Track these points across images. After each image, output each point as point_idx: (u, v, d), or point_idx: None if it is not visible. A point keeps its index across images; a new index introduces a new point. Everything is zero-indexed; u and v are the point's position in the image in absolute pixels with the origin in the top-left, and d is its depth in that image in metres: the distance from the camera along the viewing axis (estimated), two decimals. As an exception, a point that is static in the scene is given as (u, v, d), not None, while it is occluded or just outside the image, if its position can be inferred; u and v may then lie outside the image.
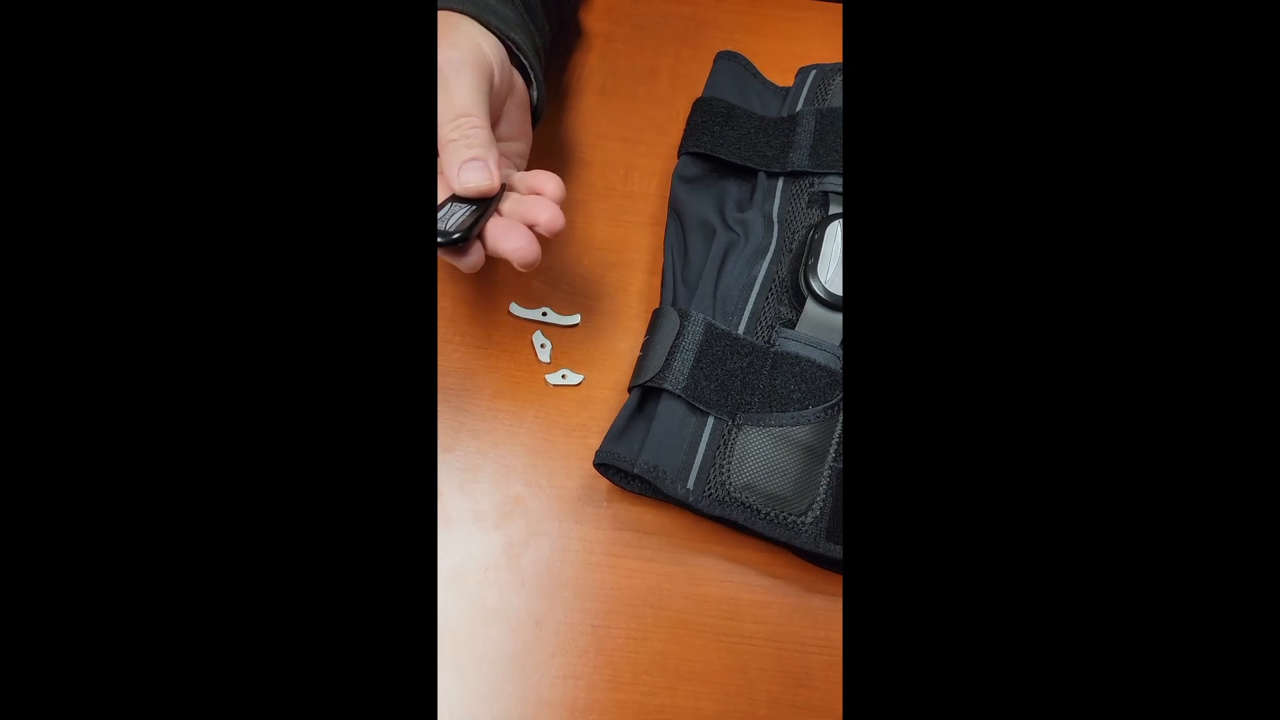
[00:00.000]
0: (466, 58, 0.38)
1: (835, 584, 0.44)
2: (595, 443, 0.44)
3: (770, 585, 0.44)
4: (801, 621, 0.44)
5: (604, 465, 0.43)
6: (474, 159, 0.37)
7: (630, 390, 0.44)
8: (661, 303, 0.47)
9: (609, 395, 0.47)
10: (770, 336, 0.45)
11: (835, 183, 0.49)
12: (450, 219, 0.36)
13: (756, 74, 0.55)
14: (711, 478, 0.41)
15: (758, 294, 0.46)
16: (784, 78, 0.55)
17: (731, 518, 0.41)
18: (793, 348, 0.44)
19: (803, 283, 0.45)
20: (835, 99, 0.52)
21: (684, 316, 0.44)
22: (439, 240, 0.35)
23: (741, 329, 0.45)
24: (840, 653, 0.43)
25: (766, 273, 0.47)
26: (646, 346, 0.45)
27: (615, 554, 0.44)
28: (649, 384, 0.43)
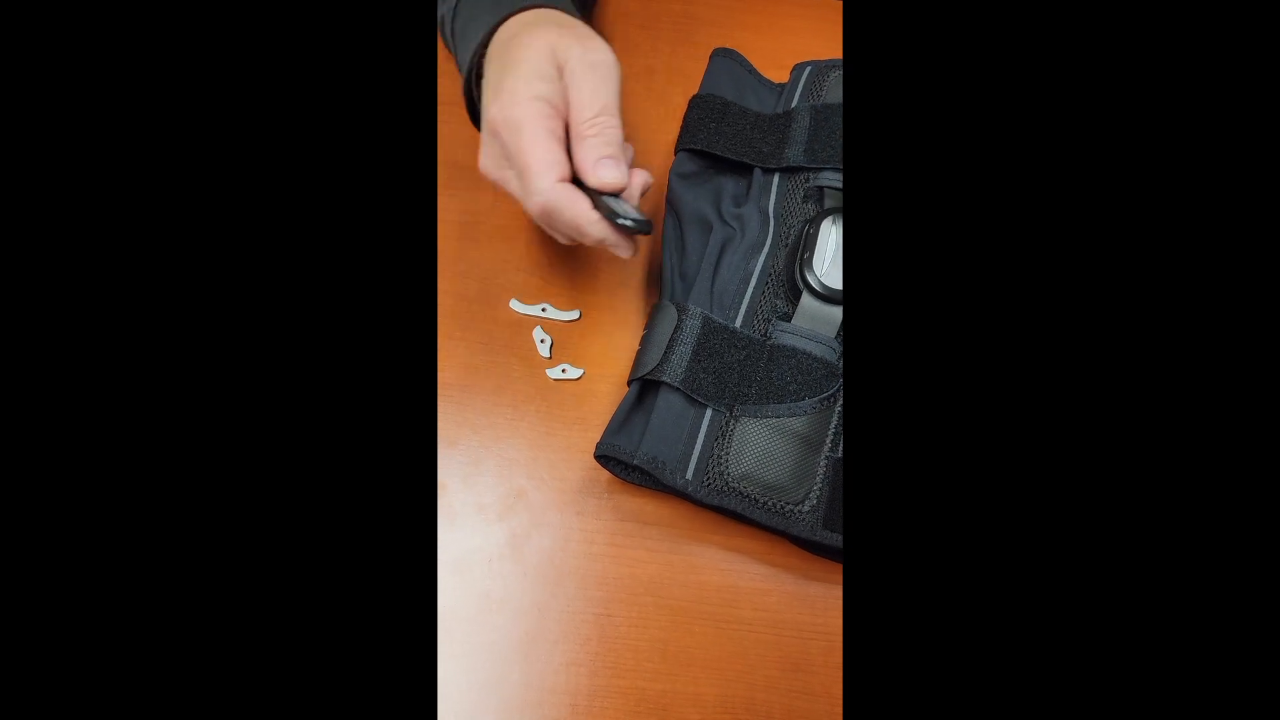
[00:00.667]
0: (608, 60, 0.40)
1: (832, 572, 0.45)
2: (595, 436, 0.45)
3: (769, 573, 0.45)
4: (799, 609, 0.44)
5: (604, 457, 0.43)
6: (609, 157, 0.39)
7: (629, 383, 0.45)
8: (660, 297, 0.48)
9: (609, 389, 0.48)
10: (767, 329, 0.46)
11: (830, 178, 0.50)
12: (624, 207, 0.39)
13: (752, 70, 0.55)
14: (710, 468, 0.42)
15: (754, 288, 0.47)
16: (780, 74, 0.56)
17: (730, 507, 0.42)
18: (789, 340, 0.45)
19: (798, 276, 0.46)
20: (830, 95, 0.53)
21: (682, 311, 0.45)
22: (630, 224, 0.38)
23: (738, 322, 0.46)
24: (837, 639, 0.44)
25: (763, 267, 0.48)
26: (645, 340, 0.46)
27: (616, 544, 0.45)
28: (648, 377, 0.44)
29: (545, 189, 0.38)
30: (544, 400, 0.47)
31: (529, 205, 0.40)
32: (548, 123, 0.39)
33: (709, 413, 0.43)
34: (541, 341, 0.48)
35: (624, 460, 0.42)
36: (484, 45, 0.43)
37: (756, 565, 0.45)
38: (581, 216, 0.39)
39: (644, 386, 0.45)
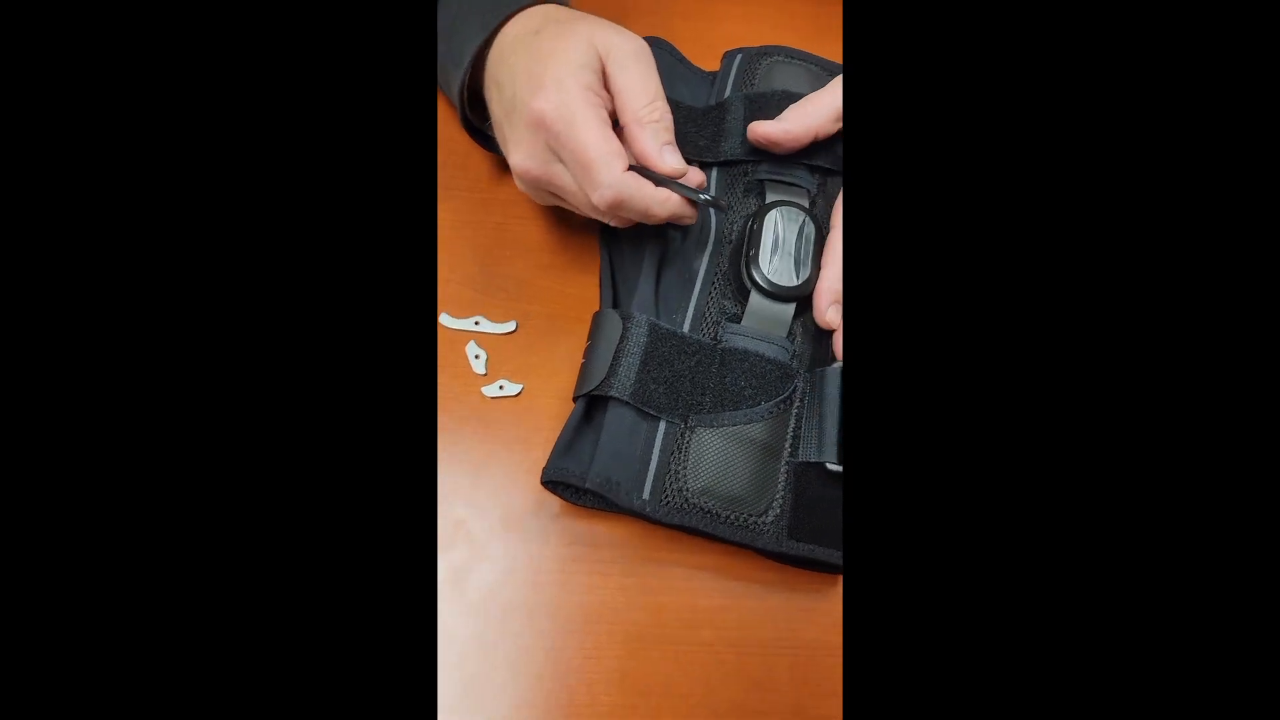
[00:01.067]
0: (646, 48, 0.41)
1: (794, 582, 0.43)
2: (538, 455, 0.42)
3: (728, 589, 0.43)
4: (761, 623, 0.43)
5: (553, 483, 0.40)
6: (669, 144, 0.40)
7: (575, 400, 0.42)
8: (601, 305, 0.45)
9: (550, 403, 0.45)
10: (716, 333, 0.44)
11: (769, 170, 0.48)
12: (689, 188, 0.40)
13: (682, 60, 0.53)
14: (668, 485, 0.40)
15: (700, 289, 0.45)
16: (710, 62, 0.53)
17: (691, 525, 0.40)
18: (740, 343, 0.43)
19: (745, 275, 0.44)
20: (763, 83, 0.51)
21: (627, 319, 0.42)
22: (708, 199, 0.40)
23: (686, 327, 0.44)
24: (802, 653, 0.42)
25: (708, 267, 0.46)
26: (589, 353, 0.43)
27: (566, 571, 0.42)
28: (595, 393, 0.41)
29: (615, 181, 0.38)
30: (481, 420, 0.44)
31: (595, 198, 0.38)
32: (601, 112, 0.38)
33: (662, 425, 0.41)
34: (476, 357, 0.45)
35: (574, 484, 0.40)
36: (486, 45, 0.41)
37: (715, 581, 0.43)
38: (651, 200, 0.39)
39: (591, 403, 0.42)
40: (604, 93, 0.40)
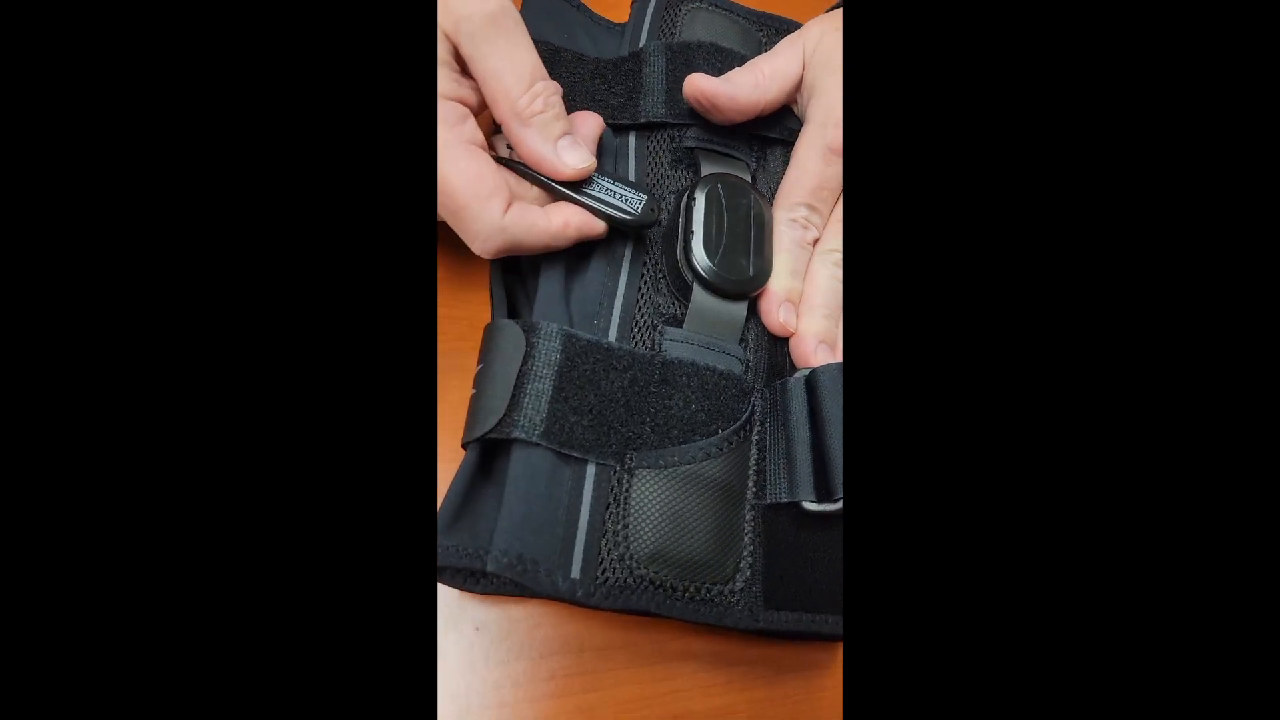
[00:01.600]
0: (505, 6, 0.31)
1: (810, 655, 0.33)
2: (435, 533, 0.31)
3: (728, 680, 0.32)
4: (788, 715, 0.32)
5: (439, 568, 0.29)
6: (566, 134, 0.33)
7: (465, 447, 0.31)
8: (493, 316, 0.34)
9: (449, 469, 0.33)
10: (653, 340, 0.33)
11: (701, 137, 0.38)
12: (606, 188, 0.33)
13: (580, 6, 0.43)
14: (605, 553, 0.29)
15: (626, 285, 0.34)
16: (618, 14, 0.44)
17: (640, 608, 0.28)
18: (685, 352, 0.32)
19: (683, 265, 0.34)
20: (686, 31, 0.41)
21: (530, 330, 0.31)
22: (630, 219, 0.33)
23: (613, 334, 0.33)
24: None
25: (633, 256, 0.35)
26: (480, 381, 0.31)
27: (504, 702, 0.30)
28: (491, 435, 0.30)
29: (493, 230, 0.30)
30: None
31: (477, 249, 0.31)
32: (464, 132, 0.31)
33: (591, 470, 0.30)
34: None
35: (470, 568, 0.28)
36: None
37: (714, 671, 0.32)
38: (545, 235, 0.32)
39: (487, 449, 0.31)
40: (465, 84, 0.32)
